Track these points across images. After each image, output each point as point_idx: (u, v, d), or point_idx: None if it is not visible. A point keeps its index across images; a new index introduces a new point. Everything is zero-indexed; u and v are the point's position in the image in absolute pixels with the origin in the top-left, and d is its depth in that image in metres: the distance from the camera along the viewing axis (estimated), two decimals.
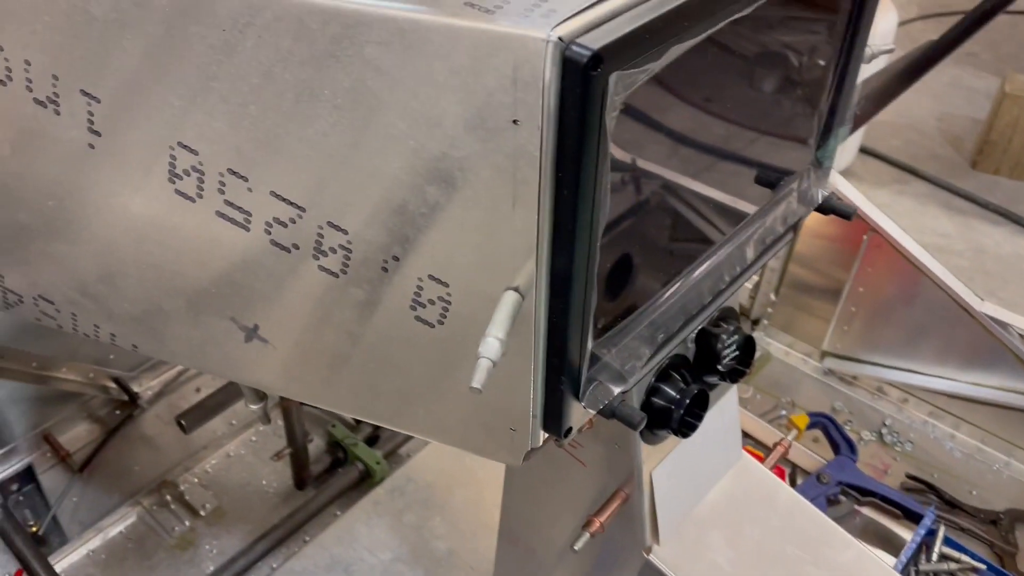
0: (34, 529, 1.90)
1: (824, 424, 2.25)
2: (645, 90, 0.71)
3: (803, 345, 2.57)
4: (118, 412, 2.18)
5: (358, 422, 2.22)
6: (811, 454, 2.20)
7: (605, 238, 0.82)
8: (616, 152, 0.76)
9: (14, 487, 2.01)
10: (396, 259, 0.78)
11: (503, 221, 0.71)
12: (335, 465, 2.08)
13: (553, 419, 0.84)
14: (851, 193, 2.06)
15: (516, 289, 0.74)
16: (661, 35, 0.67)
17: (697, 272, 0.98)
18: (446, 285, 0.78)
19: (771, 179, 1.14)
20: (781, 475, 2.14)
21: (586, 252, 0.72)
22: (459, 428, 0.90)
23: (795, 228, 1.14)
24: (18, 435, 2.02)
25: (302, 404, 1.89)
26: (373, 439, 2.16)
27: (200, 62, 0.73)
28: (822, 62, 1.05)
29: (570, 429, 0.86)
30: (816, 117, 1.09)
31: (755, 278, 2.57)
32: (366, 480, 2.04)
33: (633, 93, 0.66)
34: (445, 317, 0.80)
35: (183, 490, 2.03)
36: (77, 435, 2.11)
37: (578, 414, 0.85)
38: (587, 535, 1.12)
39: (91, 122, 0.81)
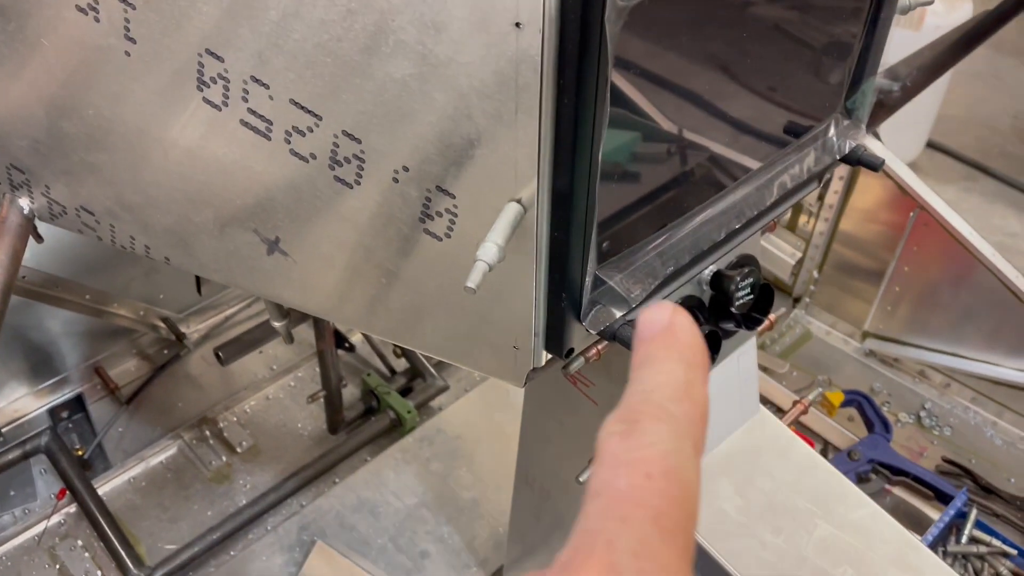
0: (80, 453, 2.00)
1: (859, 402, 2.22)
2: (664, 14, 0.72)
3: (845, 325, 2.54)
4: (166, 351, 2.26)
5: (392, 372, 2.26)
6: (844, 431, 2.17)
7: (616, 158, 0.84)
8: (630, 73, 0.77)
9: (64, 414, 2.11)
10: (406, 169, 0.81)
11: (506, 130, 0.72)
12: (368, 412, 2.13)
13: (555, 338, 0.86)
14: (896, 166, 2.01)
15: (519, 201, 0.76)
16: None
17: (712, 209, 0.98)
18: (452, 196, 0.80)
19: (798, 129, 1.14)
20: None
21: (587, 164, 0.73)
22: (466, 345, 0.92)
23: (819, 177, 1.14)
24: (71, 366, 2.12)
25: (337, 348, 1.94)
26: (406, 390, 2.20)
27: None
28: (854, 5, 1.03)
29: (571, 350, 0.88)
30: (846, 65, 1.08)
31: (798, 254, 2.54)
32: (397, 428, 2.09)
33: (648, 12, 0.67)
34: (452, 230, 0.82)
35: (222, 427, 2.10)
36: (126, 370, 2.21)
37: (580, 336, 0.87)
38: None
39: (127, 28, 0.85)
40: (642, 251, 0.90)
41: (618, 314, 0.86)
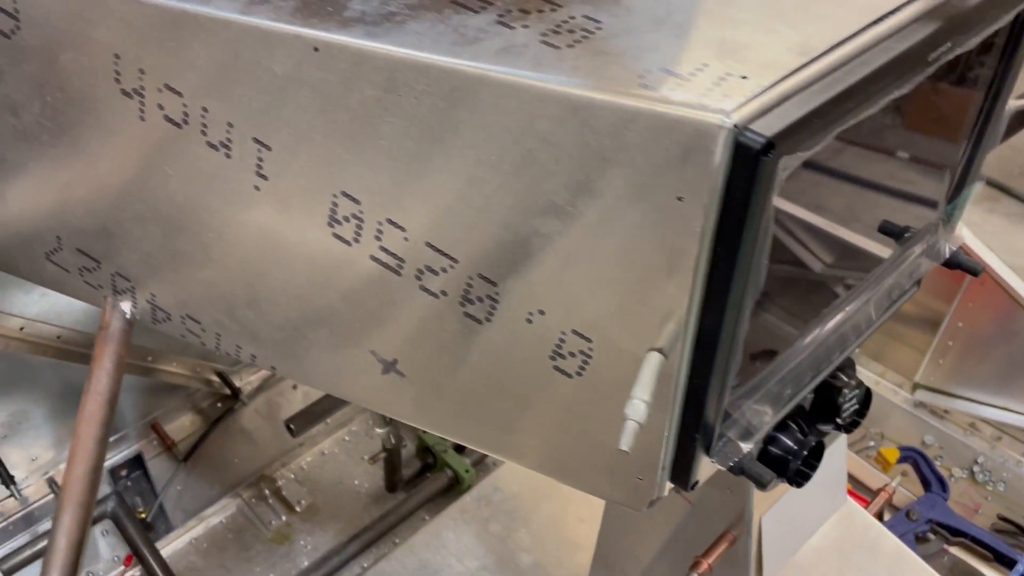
0: (142, 516, 2.01)
1: (915, 459, 2.21)
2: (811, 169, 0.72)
3: (894, 375, 2.53)
4: (220, 404, 2.27)
5: None
6: (901, 489, 2.17)
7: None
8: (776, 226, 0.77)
9: (124, 472, 2.12)
10: (542, 313, 0.81)
11: (656, 287, 0.73)
12: (424, 469, 2.14)
13: (681, 472, 0.86)
14: (965, 235, 2.01)
15: (660, 350, 0.76)
16: (829, 117, 0.68)
17: (826, 327, 0.99)
18: (589, 340, 0.80)
19: (896, 230, 1.14)
20: (864, 504, 2.12)
21: (735, 320, 0.74)
22: (584, 470, 0.93)
23: (919, 282, 1.14)
24: (129, 423, 2.13)
25: None
26: (462, 446, 2.21)
27: (375, 123, 0.76)
28: (961, 117, 1.04)
29: (697, 482, 0.88)
30: (949, 171, 1.08)
31: None
32: (454, 487, 2.10)
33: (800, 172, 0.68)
34: (584, 369, 0.83)
35: (280, 485, 2.11)
36: (181, 425, 2.22)
37: (706, 468, 0.87)
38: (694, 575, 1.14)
39: (259, 167, 0.86)
40: (766, 380, 0.91)
41: (746, 448, 0.87)
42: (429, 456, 2.13)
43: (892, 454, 2.20)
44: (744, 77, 0.66)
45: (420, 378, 0.96)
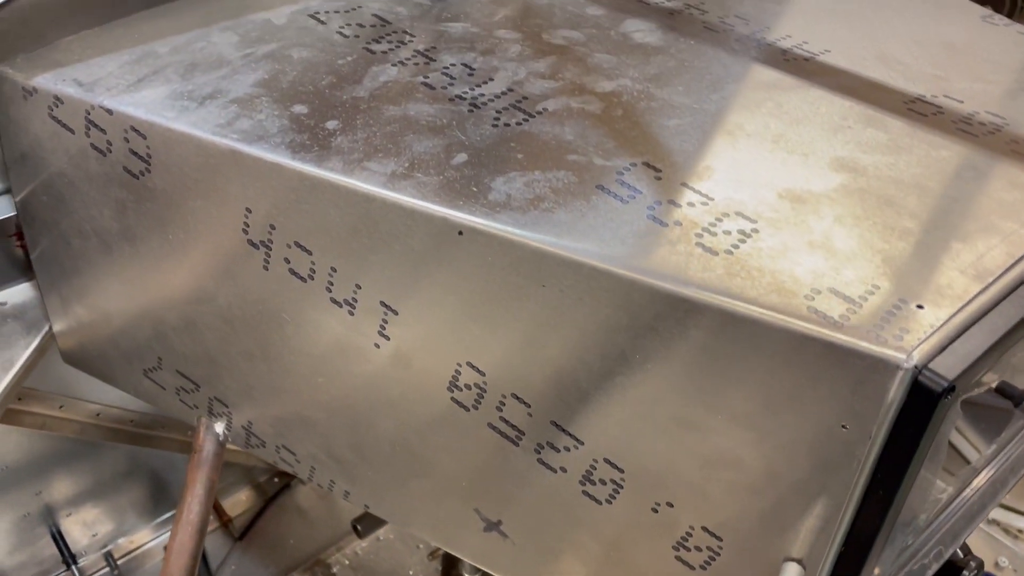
0: None
1: None
2: None
3: None
4: (276, 480, 2.25)
5: None
6: None
7: None
8: None
9: None
10: (670, 505, 0.78)
11: (803, 502, 0.69)
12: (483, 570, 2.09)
13: None
14: None
15: (799, 562, 0.73)
16: (1006, 345, 0.64)
17: (951, 510, 0.94)
18: (719, 539, 0.77)
19: (1015, 393, 1.09)
20: None
21: (884, 538, 0.70)
22: None
23: None
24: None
25: None
26: None
27: (516, 311, 0.75)
28: None
29: None
30: None
31: None
32: None
33: None
34: (709, 565, 0.79)
35: (335, 572, 2.07)
36: (238, 500, 2.19)
37: None
38: None
39: (383, 328, 0.84)
40: (896, 571, 0.86)
41: None
42: None
43: None
44: (920, 306, 0.63)
45: (525, 541, 0.93)
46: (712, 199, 0.74)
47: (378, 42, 0.97)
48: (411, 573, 2.11)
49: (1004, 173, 0.78)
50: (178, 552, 1.06)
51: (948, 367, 0.60)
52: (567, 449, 0.81)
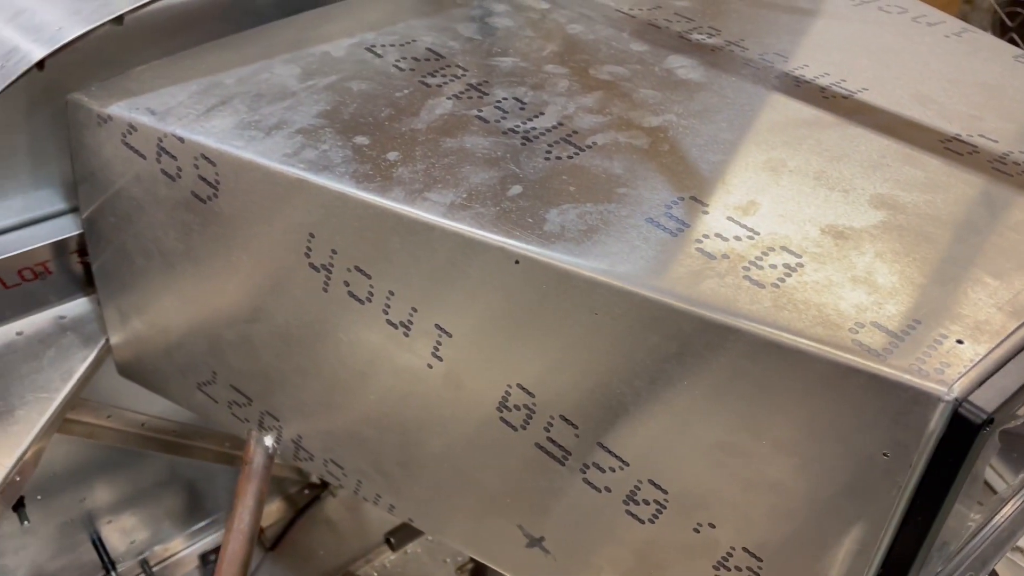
0: None
1: None
2: None
3: None
4: (307, 492, 2.29)
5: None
6: None
7: None
8: None
9: (212, 557, 2.14)
10: (712, 526, 0.81)
11: (841, 527, 0.72)
12: None
13: None
14: None
15: None
16: None
17: (978, 539, 0.96)
18: (759, 560, 0.80)
19: None
20: None
21: (919, 566, 0.73)
22: None
23: None
24: (219, 508, 2.16)
25: None
26: None
27: (567, 336, 0.78)
28: None
29: None
30: None
31: None
32: None
33: None
34: None
35: None
36: (269, 511, 2.24)
37: None
38: None
39: (436, 350, 0.88)
40: None
41: None
42: None
43: None
44: (960, 341, 0.66)
45: (566, 558, 0.96)
46: (758, 233, 0.77)
47: (433, 76, 1.01)
48: None
49: None
50: (230, 561, 1.10)
51: (987, 400, 0.63)
52: (612, 470, 0.84)
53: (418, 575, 2.16)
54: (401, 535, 1.89)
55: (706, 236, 0.77)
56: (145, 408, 1.68)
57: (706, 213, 0.80)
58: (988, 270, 0.74)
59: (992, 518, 0.99)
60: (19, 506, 1.51)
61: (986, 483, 1.08)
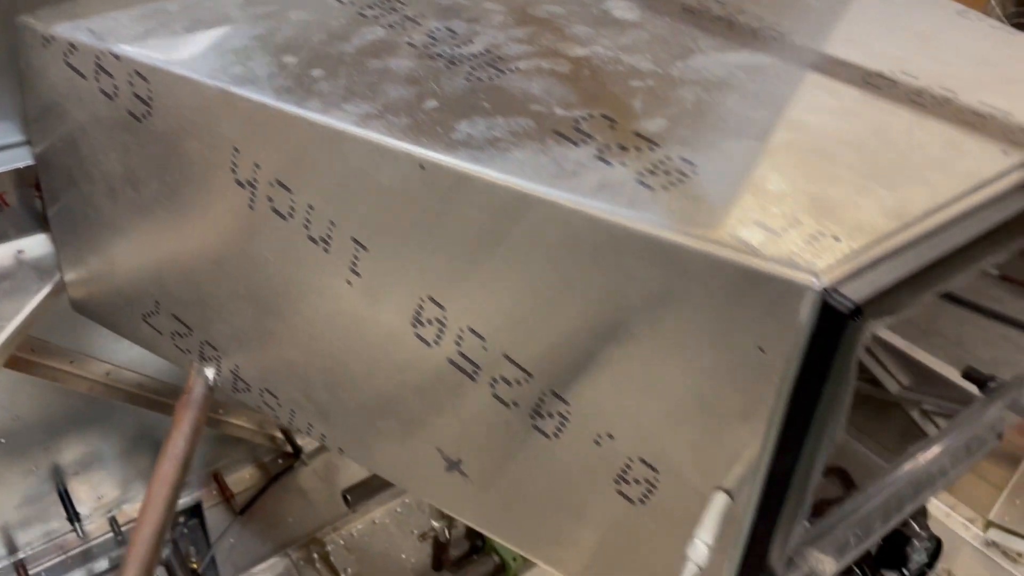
0: (195, 566, 2.03)
1: None
2: None
3: (966, 510, 2.42)
4: (280, 461, 2.31)
5: None
6: None
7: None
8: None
9: (182, 519, 2.16)
10: (611, 437, 0.82)
11: (728, 428, 0.73)
12: (472, 552, 2.12)
13: None
14: None
15: (728, 492, 0.76)
16: (919, 284, 0.68)
17: (899, 474, 0.97)
18: (655, 471, 0.80)
19: (981, 377, 1.11)
20: None
21: (807, 469, 0.73)
22: None
23: (1001, 434, 1.10)
24: (191, 470, 2.18)
25: None
26: None
27: (470, 240, 0.80)
28: None
29: None
30: None
31: None
32: (500, 573, 2.07)
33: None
34: (648, 498, 0.83)
35: (329, 550, 2.12)
36: (241, 478, 2.25)
37: None
38: None
39: (354, 264, 0.90)
40: (834, 524, 0.89)
41: None
42: (478, 539, 2.12)
43: None
44: (836, 238, 0.67)
45: (482, 480, 0.97)
46: (659, 146, 0.79)
47: (371, 8, 1.03)
48: (404, 555, 2.15)
49: (943, 134, 0.82)
50: (161, 481, 1.12)
51: (856, 291, 0.64)
52: (518, 382, 0.85)
53: (384, 543, 2.17)
54: (358, 493, 1.90)
55: (608, 147, 0.79)
56: (110, 358, 1.70)
57: (613, 128, 0.81)
58: (881, 183, 0.75)
59: (915, 460, 0.99)
60: None
61: (920, 429, 1.08)
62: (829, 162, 0.77)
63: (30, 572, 1.96)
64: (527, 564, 2.11)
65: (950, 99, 0.89)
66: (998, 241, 0.74)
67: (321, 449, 2.36)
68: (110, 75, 0.97)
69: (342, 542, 2.16)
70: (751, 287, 0.66)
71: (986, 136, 0.81)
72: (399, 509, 2.27)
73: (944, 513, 2.45)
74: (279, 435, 2.28)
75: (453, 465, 0.99)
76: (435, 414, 0.96)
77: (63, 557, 1.99)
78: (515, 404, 0.87)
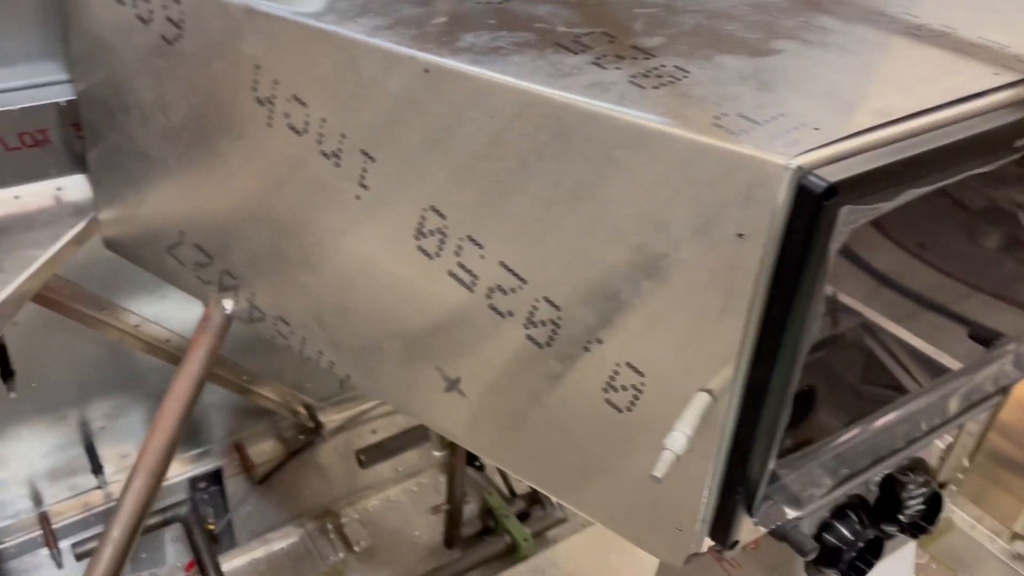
0: (211, 528, 2.08)
1: None
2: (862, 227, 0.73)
3: (992, 521, 2.36)
4: (302, 436, 2.35)
5: (513, 494, 2.26)
6: None
7: (806, 360, 0.84)
8: (839, 279, 0.78)
9: (202, 484, 2.21)
10: (599, 341, 0.84)
11: (709, 325, 0.75)
12: (484, 531, 2.13)
13: (721, 528, 0.85)
14: None
15: (710, 392, 0.77)
16: (898, 178, 0.70)
17: (893, 414, 0.97)
18: (642, 375, 0.82)
19: (986, 336, 1.11)
20: None
21: (787, 369, 0.74)
22: (625, 515, 0.93)
23: (1005, 391, 1.10)
24: (215, 439, 2.23)
25: (467, 465, 1.96)
26: (524, 515, 2.19)
27: (469, 143, 0.83)
28: None
29: (736, 543, 0.87)
30: None
31: (949, 438, 2.41)
32: (511, 553, 2.08)
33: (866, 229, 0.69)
34: (635, 404, 0.84)
35: (343, 523, 2.15)
36: (262, 450, 2.30)
37: (747, 529, 0.86)
38: None
39: (363, 177, 0.93)
40: (821, 450, 0.89)
41: (791, 514, 0.85)
42: (491, 519, 2.13)
43: None
44: (817, 128, 0.69)
45: (479, 399, 0.99)
46: (655, 56, 0.81)
47: None
48: (417, 533, 2.16)
49: (937, 58, 0.83)
50: (173, 398, 1.16)
51: (831, 173, 0.65)
52: (513, 291, 0.88)
53: (398, 520, 2.19)
54: (371, 453, 1.93)
55: (604, 56, 0.82)
56: (141, 312, 1.76)
57: (611, 42, 0.85)
58: (868, 89, 0.77)
59: (908, 406, 0.99)
60: (7, 374, 1.59)
61: (915, 380, 1.08)
62: (817, 76, 0.80)
63: (54, 527, 2.02)
64: (539, 546, 2.11)
65: (948, 33, 0.90)
66: (980, 152, 0.75)
67: (342, 428, 2.39)
68: (147, 0, 1.03)
69: (357, 516, 2.19)
70: (729, 171, 0.68)
71: (980, 61, 0.83)
72: (415, 488, 2.29)
73: (969, 525, 2.40)
74: (303, 410, 2.32)
75: (452, 384, 1.01)
76: (436, 331, 0.98)
77: (86, 514, 2.04)
78: (510, 314, 0.90)
